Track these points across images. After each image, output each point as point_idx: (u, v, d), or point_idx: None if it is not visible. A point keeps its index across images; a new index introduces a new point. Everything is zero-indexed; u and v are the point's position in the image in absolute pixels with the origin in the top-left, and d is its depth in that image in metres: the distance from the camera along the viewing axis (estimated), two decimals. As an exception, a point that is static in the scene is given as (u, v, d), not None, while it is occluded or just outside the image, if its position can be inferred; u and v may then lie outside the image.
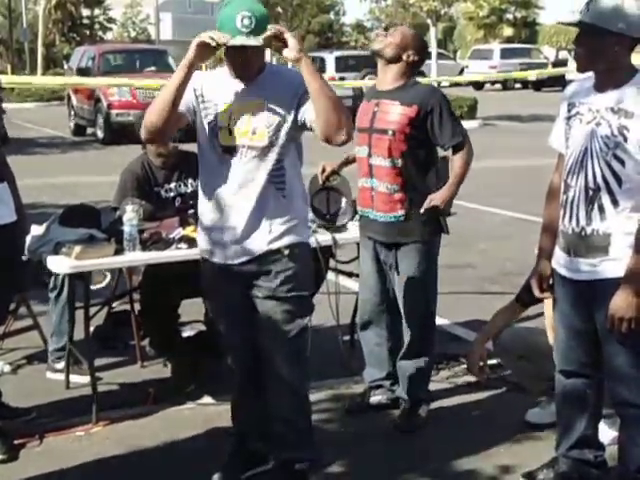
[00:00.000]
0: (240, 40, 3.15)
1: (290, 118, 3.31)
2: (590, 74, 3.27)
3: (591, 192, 3.19)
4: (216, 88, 3.37)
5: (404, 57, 4.10)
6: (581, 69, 3.23)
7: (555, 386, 3.59)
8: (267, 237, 3.36)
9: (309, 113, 3.27)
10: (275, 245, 3.37)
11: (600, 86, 3.21)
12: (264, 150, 3.33)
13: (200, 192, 3.49)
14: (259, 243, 3.37)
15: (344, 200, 4.74)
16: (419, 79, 4.29)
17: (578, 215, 3.23)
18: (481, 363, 4.16)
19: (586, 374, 3.45)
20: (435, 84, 21.34)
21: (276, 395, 3.51)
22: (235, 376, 3.68)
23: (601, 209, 3.18)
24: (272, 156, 3.34)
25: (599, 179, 3.17)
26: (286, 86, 3.32)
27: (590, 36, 3.15)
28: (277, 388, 3.49)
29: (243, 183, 3.34)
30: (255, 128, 3.32)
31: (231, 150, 3.34)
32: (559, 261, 3.37)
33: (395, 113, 4.08)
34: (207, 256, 3.51)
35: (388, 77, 4.15)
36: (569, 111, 3.31)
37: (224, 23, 3.19)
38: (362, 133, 4.19)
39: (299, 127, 3.34)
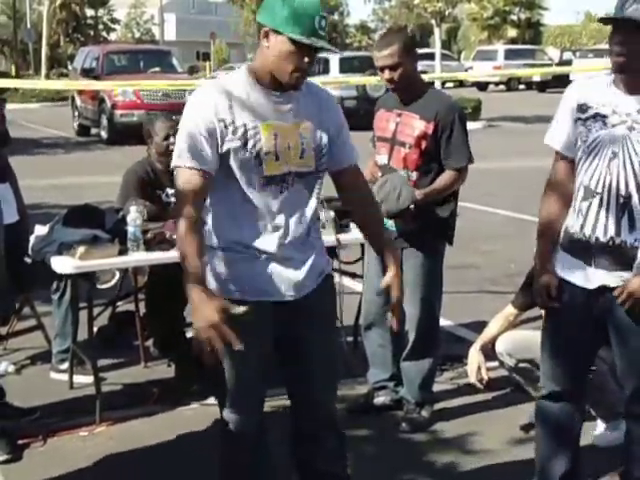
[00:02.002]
0: (322, 42, 2.73)
1: (326, 143, 2.91)
2: (595, 74, 3.16)
3: (622, 200, 2.98)
4: (247, 106, 2.79)
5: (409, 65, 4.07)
6: (621, 70, 2.94)
7: (536, 415, 3.41)
8: (324, 266, 3.02)
9: (337, 160, 2.96)
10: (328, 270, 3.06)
11: (631, 87, 2.96)
12: (313, 174, 2.90)
13: (236, 225, 2.85)
14: (319, 271, 2.99)
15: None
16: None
17: (607, 224, 3.01)
18: (482, 370, 4.18)
19: (577, 398, 3.30)
20: (439, 84, 21.40)
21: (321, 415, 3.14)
22: (243, 436, 3.02)
23: (631, 219, 2.98)
24: (315, 183, 2.93)
25: (632, 187, 2.97)
26: (325, 110, 2.92)
27: (634, 34, 2.86)
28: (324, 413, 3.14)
29: (296, 213, 2.86)
30: (303, 152, 2.84)
31: (277, 179, 2.81)
32: (569, 269, 3.14)
33: (415, 127, 4.07)
34: (246, 297, 2.83)
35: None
36: (583, 112, 3.05)
37: (299, 19, 2.68)
38: (384, 142, 4.19)
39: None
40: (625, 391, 3.24)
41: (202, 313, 2.61)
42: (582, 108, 3.07)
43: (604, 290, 3.07)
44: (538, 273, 3.27)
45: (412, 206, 4.01)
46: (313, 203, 2.92)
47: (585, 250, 3.08)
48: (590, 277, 3.09)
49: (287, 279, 2.88)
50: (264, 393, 3.07)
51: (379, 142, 4.22)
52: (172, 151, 5.02)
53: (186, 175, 2.78)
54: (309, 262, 2.92)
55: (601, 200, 3.02)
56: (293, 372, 3.06)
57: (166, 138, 4.95)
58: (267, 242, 2.84)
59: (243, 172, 2.78)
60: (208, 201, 2.85)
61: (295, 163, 2.83)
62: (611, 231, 3.02)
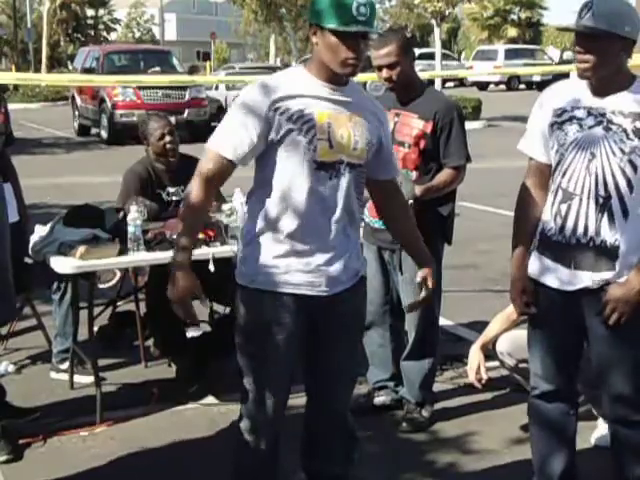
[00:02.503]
0: (359, 27, 2.76)
1: (375, 143, 2.99)
2: (571, 79, 3.16)
3: (602, 200, 3.01)
4: (304, 95, 2.86)
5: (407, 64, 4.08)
6: (588, 75, 3.00)
7: (530, 415, 3.41)
8: (359, 266, 3.09)
9: (381, 171, 3.09)
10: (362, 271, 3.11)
11: (600, 91, 3.03)
12: (361, 168, 2.98)
13: (279, 211, 2.89)
14: (355, 270, 3.04)
15: None
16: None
17: (587, 225, 3.03)
18: (481, 370, 4.18)
19: (570, 396, 3.31)
20: (439, 83, 21.39)
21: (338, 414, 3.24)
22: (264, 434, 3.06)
23: (611, 218, 3.01)
24: (361, 178, 3.00)
25: (611, 187, 3.00)
26: (380, 120, 3.04)
27: (596, 41, 2.93)
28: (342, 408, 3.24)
29: (340, 203, 2.91)
30: (356, 143, 2.91)
31: (327, 166, 2.88)
32: (546, 272, 3.16)
33: (413, 126, 4.08)
34: (284, 289, 2.91)
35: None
36: (559, 116, 3.09)
37: (337, 10, 2.75)
38: None
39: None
40: (604, 394, 3.23)
41: (176, 289, 2.88)
42: (557, 112, 3.11)
43: (584, 292, 3.09)
44: (512, 279, 3.31)
45: (411, 201, 4.00)
46: (355, 198, 2.97)
47: (564, 252, 3.10)
48: (569, 279, 3.10)
49: (323, 273, 2.92)
50: (287, 394, 3.08)
51: None
52: (169, 150, 5.05)
53: (211, 156, 2.90)
54: (345, 258, 2.96)
55: (580, 201, 3.05)
56: (314, 368, 3.11)
57: (161, 138, 4.93)
58: (310, 231, 2.89)
59: (296, 157, 2.84)
60: (252, 187, 2.97)
61: (348, 153, 2.89)
62: (591, 231, 3.04)
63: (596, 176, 3.02)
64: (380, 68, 4.05)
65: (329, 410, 3.20)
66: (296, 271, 2.89)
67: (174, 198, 4.93)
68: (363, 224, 4.34)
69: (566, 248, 3.09)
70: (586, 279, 3.07)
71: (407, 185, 3.99)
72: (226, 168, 2.88)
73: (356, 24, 2.76)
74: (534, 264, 3.22)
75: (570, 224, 3.08)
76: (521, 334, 4.37)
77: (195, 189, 2.89)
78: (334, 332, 3.03)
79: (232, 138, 2.85)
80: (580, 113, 3.06)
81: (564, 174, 3.10)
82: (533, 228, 3.24)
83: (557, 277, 3.13)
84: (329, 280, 2.93)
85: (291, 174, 2.86)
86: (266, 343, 2.92)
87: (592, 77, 3.01)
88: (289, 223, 2.87)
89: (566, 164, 3.09)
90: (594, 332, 3.13)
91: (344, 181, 2.91)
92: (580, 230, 3.06)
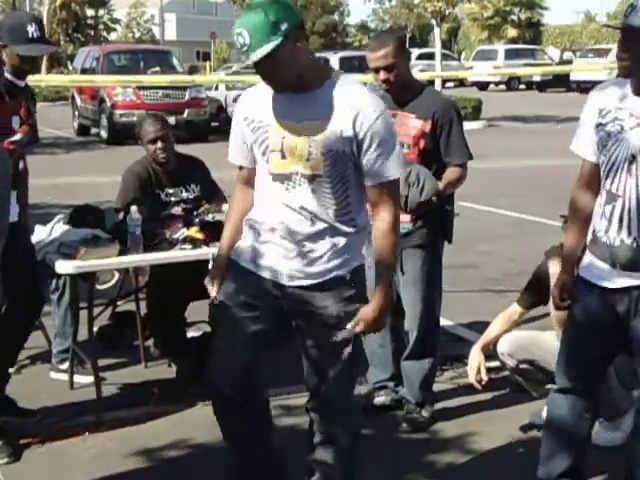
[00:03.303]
0: (246, 61, 2.91)
1: (348, 151, 2.90)
2: (615, 79, 3.17)
3: None
4: (266, 106, 2.94)
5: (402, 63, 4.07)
6: (626, 74, 3.04)
7: (547, 404, 3.45)
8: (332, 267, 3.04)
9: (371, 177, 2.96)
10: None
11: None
12: (322, 178, 2.92)
13: (255, 208, 3.11)
14: (322, 268, 3.04)
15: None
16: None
17: (630, 226, 3.06)
18: (482, 371, 4.18)
19: (588, 398, 3.33)
20: (439, 83, 21.39)
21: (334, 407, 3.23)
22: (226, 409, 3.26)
23: None
24: (328, 186, 2.94)
25: None
26: (357, 118, 2.87)
27: (636, 40, 2.95)
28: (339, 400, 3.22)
29: (294, 209, 2.96)
30: (310, 154, 2.90)
31: (283, 177, 2.95)
32: (594, 271, 3.19)
33: (411, 126, 4.06)
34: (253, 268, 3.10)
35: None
36: (603, 117, 3.11)
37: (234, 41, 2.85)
38: None
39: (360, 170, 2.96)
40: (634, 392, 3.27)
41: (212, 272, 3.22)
42: (602, 113, 3.12)
43: (628, 291, 3.11)
44: (560, 272, 3.38)
45: (434, 198, 3.99)
46: (326, 208, 2.95)
47: (609, 252, 3.13)
48: (614, 278, 3.13)
49: (282, 264, 3.03)
50: (252, 365, 3.17)
51: None
52: (159, 155, 4.98)
53: (237, 170, 3.18)
54: (309, 256, 3.00)
55: (623, 203, 3.07)
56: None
57: (152, 142, 4.87)
58: (270, 230, 3.03)
59: (260, 167, 3.04)
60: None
61: (302, 164, 2.91)
62: (635, 232, 3.06)
63: (636, 178, 3.04)
64: (377, 70, 4.04)
65: (315, 403, 3.24)
66: (259, 256, 3.06)
67: (173, 199, 4.91)
68: None
69: (611, 248, 3.12)
70: (630, 279, 3.10)
71: (430, 181, 3.98)
72: (247, 173, 3.14)
73: (243, 54, 2.80)
74: (584, 262, 3.27)
75: (614, 225, 3.11)
76: (522, 335, 4.38)
77: (231, 202, 3.29)
78: (301, 325, 3.11)
79: (235, 148, 3.13)
80: (622, 114, 3.06)
81: (608, 175, 3.12)
82: (584, 228, 3.27)
83: (602, 276, 3.17)
84: (286, 272, 3.03)
85: (259, 182, 3.06)
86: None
87: (634, 76, 3.02)
88: (260, 215, 3.06)
89: (609, 166, 3.11)
90: (637, 331, 3.13)
91: (302, 192, 2.93)
92: (624, 231, 3.08)
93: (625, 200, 3.07)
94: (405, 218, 4.08)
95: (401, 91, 4.10)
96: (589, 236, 3.26)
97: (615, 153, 3.08)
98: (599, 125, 3.12)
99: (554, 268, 3.98)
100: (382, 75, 4.03)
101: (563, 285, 3.35)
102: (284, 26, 2.75)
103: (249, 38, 2.75)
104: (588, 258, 3.24)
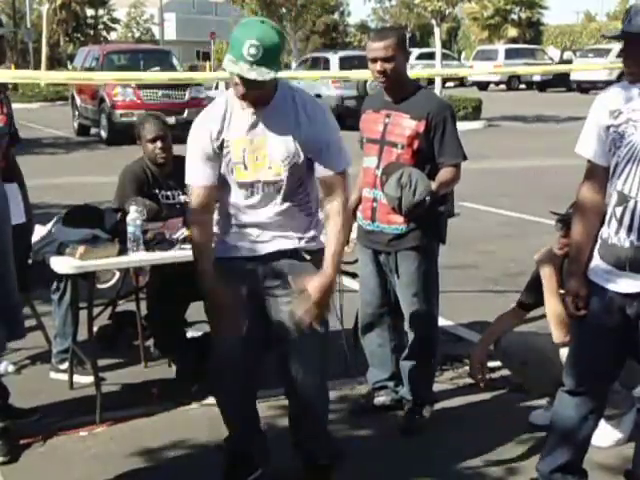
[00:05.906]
0: (239, 69, 3.03)
1: (303, 157, 3.26)
2: (621, 83, 3.17)
3: None
4: (229, 121, 3.25)
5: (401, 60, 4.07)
6: (630, 80, 3.09)
7: (556, 403, 3.45)
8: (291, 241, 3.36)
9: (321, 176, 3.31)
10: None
11: None
12: (282, 183, 3.26)
13: (221, 213, 3.42)
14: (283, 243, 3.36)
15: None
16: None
17: None
18: (483, 370, 4.18)
19: (597, 396, 3.33)
20: (439, 83, 21.39)
21: (305, 387, 3.39)
22: (227, 382, 3.52)
23: None
24: (290, 191, 3.29)
25: None
26: (307, 124, 3.23)
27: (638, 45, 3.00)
28: (307, 380, 3.39)
29: (257, 211, 3.31)
30: (271, 162, 3.24)
31: (247, 186, 3.28)
32: (601, 274, 3.18)
33: (405, 127, 4.06)
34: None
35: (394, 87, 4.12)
36: (615, 118, 3.10)
37: (232, 45, 3.06)
38: (372, 144, 4.16)
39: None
40: None
41: (211, 300, 3.38)
42: (614, 114, 3.11)
43: (637, 294, 3.09)
44: (568, 276, 3.33)
45: (428, 198, 3.98)
46: (284, 203, 3.28)
47: (620, 254, 3.10)
48: (625, 281, 3.11)
49: (254, 243, 3.33)
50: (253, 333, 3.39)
51: (367, 144, 4.20)
52: (158, 156, 4.98)
53: (193, 190, 3.35)
54: (269, 234, 3.31)
55: (635, 204, 3.05)
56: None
57: (152, 142, 4.87)
58: (239, 232, 3.36)
59: (227, 176, 3.28)
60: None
61: (263, 173, 3.23)
62: None
63: None
64: (375, 60, 4.04)
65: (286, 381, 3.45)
66: (231, 242, 3.36)
67: (170, 201, 4.90)
68: (356, 225, 4.33)
69: (621, 250, 3.10)
70: (638, 280, 3.07)
71: (422, 181, 3.97)
72: (207, 191, 3.31)
73: (244, 63, 3.02)
74: (593, 265, 3.23)
75: (625, 226, 3.08)
76: (522, 335, 4.38)
77: (194, 224, 3.42)
78: (268, 292, 3.36)
79: (197, 168, 3.31)
80: (635, 115, 3.06)
81: (620, 176, 3.10)
82: (592, 230, 3.24)
83: (613, 279, 3.14)
84: (258, 245, 3.32)
85: (224, 193, 3.32)
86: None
87: (636, 82, 3.05)
88: (231, 216, 3.35)
89: (621, 166, 3.10)
90: None
91: (266, 195, 3.27)
92: (635, 233, 3.06)
93: (637, 201, 3.05)
94: (398, 219, 4.08)
95: (396, 87, 4.09)
96: (598, 238, 3.23)
97: (628, 154, 3.07)
98: (610, 127, 3.11)
99: (544, 272, 4.01)
100: (379, 66, 4.02)
101: (577, 293, 3.26)
102: (281, 60, 3.12)
103: (261, 55, 3.01)
104: (597, 260, 3.22)
